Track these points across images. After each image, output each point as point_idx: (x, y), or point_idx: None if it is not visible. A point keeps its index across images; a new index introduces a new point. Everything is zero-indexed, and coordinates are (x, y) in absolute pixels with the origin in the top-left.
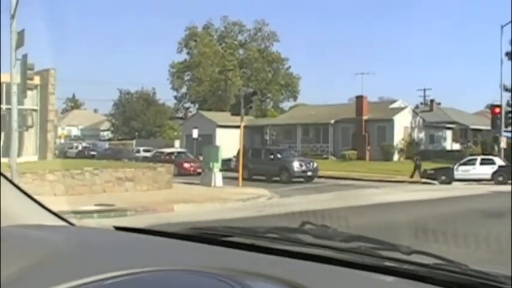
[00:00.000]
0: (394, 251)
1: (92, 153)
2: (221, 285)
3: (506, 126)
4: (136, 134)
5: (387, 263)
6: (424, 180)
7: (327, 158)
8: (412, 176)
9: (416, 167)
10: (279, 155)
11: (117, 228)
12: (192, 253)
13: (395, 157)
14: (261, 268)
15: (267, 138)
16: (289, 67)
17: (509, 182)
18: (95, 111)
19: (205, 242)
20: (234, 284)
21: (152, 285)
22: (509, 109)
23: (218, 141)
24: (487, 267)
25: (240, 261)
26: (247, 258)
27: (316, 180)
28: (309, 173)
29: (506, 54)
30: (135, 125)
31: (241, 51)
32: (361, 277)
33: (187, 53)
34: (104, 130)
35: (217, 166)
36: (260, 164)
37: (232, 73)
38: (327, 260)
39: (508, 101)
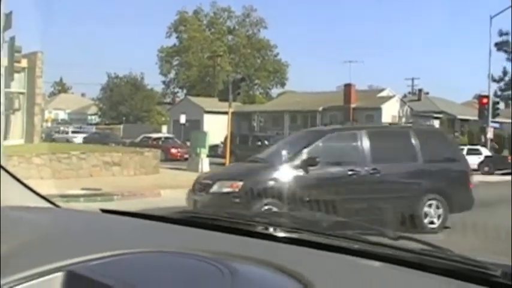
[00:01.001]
0: (381, 236)
1: None
2: (208, 268)
3: (493, 117)
4: (124, 118)
5: (374, 249)
6: None
7: None
8: None
9: None
10: (266, 142)
11: (104, 211)
12: (179, 236)
13: None
14: (248, 252)
15: (255, 124)
16: (278, 54)
17: (495, 172)
18: (83, 95)
19: (193, 225)
20: (221, 267)
21: (139, 266)
22: (497, 100)
23: (206, 127)
24: (477, 255)
25: (227, 244)
26: (235, 242)
27: None
28: None
29: (496, 44)
30: (123, 110)
31: (229, 37)
32: (347, 262)
33: (177, 37)
34: (92, 114)
35: (204, 152)
36: (247, 151)
37: (221, 59)
38: (314, 245)
39: (495, 92)
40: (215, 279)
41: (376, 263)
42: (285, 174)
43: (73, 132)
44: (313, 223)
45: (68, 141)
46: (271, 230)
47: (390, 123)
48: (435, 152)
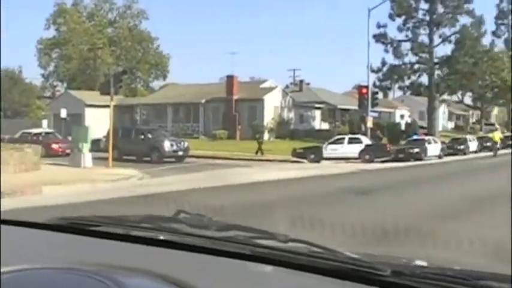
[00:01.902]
0: (271, 239)
1: None
2: (93, 283)
3: (372, 106)
4: (2, 113)
5: (264, 252)
6: (294, 159)
7: (197, 138)
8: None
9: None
10: (149, 135)
11: None
12: (60, 245)
13: (266, 136)
14: (134, 260)
15: (137, 118)
16: (159, 46)
17: (375, 160)
18: None
19: (75, 232)
20: (106, 281)
21: (15, 287)
22: (376, 90)
23: (87, 121)
24: (368, 254)
25: (112, 252)
26: (120, 250)
27: (187, 159)
28: (180, 153)
29: (374, 36)
30: (1, 105)
31: (110, 30)
32: (237, 266)
33: (56, 29)
34: None
35: (86, 146)
36: (130, 144)
37: (102, 51)
38: (202, 250)
39: (374, 82)
40: None
41: (267, 267)
42: None
43: None
44: (201, 227)
45: None
46: (157, 235)
47: None
48: None
